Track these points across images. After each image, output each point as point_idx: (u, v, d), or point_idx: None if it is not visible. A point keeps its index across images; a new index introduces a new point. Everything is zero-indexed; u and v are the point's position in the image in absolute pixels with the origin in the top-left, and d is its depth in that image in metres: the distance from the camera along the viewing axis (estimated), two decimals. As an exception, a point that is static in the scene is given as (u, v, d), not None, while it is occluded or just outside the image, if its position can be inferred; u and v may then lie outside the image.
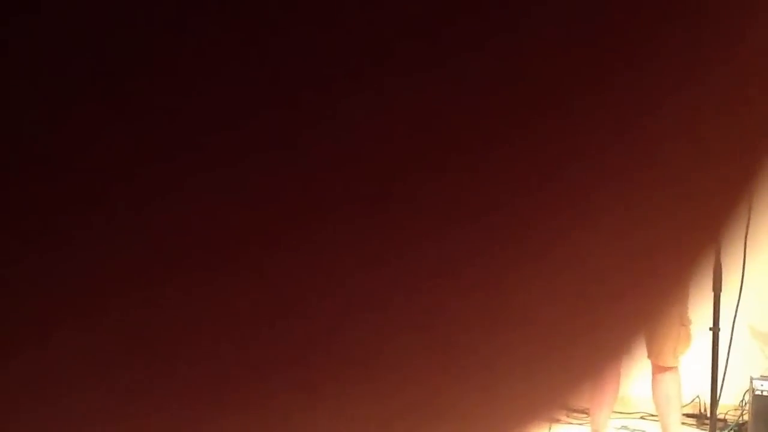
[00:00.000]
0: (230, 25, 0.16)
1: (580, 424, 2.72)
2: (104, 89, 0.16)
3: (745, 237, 0.23)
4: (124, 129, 0.16)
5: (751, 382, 2.71)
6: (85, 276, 0.17)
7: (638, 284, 0.22)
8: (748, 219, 0.22)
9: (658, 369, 2.37)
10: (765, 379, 2.68)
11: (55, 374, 0.17)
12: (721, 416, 2.92)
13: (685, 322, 2.21)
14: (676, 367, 2.38)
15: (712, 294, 2.34)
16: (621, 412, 3.09)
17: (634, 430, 3.11)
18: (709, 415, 2.65)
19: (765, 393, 2.65)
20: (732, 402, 3.09)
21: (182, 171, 0.17)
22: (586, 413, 2.55)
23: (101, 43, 0.15)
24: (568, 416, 2.72)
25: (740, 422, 3.08)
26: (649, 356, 2.31)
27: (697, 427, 3.19)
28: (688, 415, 3.12)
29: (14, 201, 0.16)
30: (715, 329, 2.40)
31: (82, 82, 0.16)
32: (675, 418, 2.45)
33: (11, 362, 0.17)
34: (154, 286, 0.17)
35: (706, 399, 2.73)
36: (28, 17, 0.15)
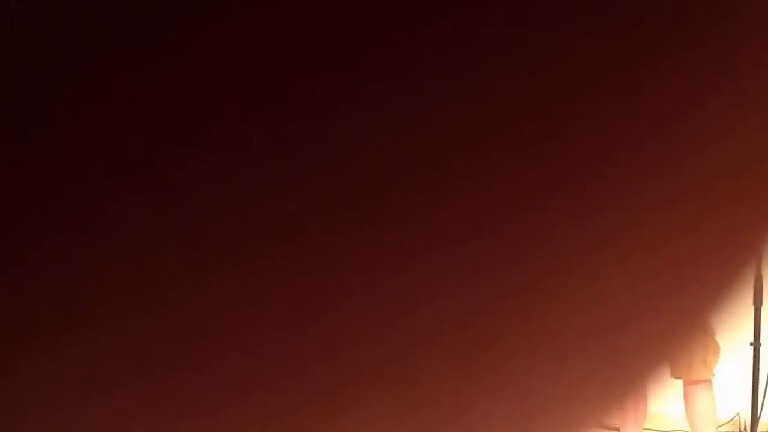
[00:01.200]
0: (225, 23, 0.16)
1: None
2: (94, 89, 0.15)
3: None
4: (121, 130, 0.16)
5: (794, 399, 2.64)
6: (90, 280, 0.17)
7: (673, 299, 0.21)
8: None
9: (691, 383, 2.31)
10: (808, 397, 2.61)
11: (60, 381, 0.17)
12: (761, 434, 2.85)
13: (708, 330, 2.14)
14: (709, 381, 2.32)
15: (753, 308, 2.29)
16: (656, 430, 3.04)
17: (671, 447, 3.05)
18: (749, 433, 2.59)
19: (808, 411, 2.58)
20: (773, 420, 3.02)
21: (193, 173, 0.16)
22: (617, 431, 2.51)
23: (95, 39, 0.15)
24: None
25: (782, 441, 3.00)
26: (679, 373, 2.25)
27: (737, 446, 3.12)
28: (726, 434, 3.05)
29: (11, 202, 0.16)
30: (756, 344, 2.35)
31: (76, 79, 0.15)
32: (710, 435, 2.39)
33: (14, 369, 0.17)
34: (166, 290, 0.17)
35: (747, 417, 2.67)
36: (26, 9, 0.15)
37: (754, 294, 2.22)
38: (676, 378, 2.25)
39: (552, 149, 0.18)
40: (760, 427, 2.55)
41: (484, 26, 0.17)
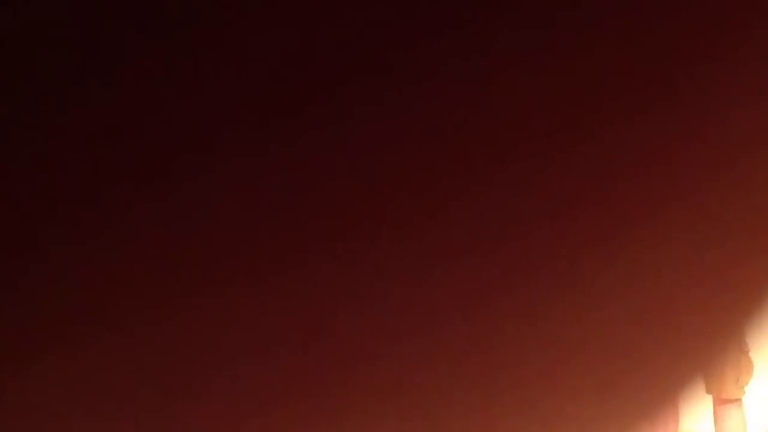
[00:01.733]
0: (238, 25, 0.15)
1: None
2: (104, 94, 0.15)
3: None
4: (131, 136, 0.15)
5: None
6: (100, 288, 0.16)
7: (706, 312, 0.20)
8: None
9: (720, 402, 2.27)
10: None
11: (66, 390, 0.17)
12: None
13: (744, 348, 2.10)
14: (740, 400, 2.27)
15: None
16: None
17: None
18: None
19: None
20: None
21: (205, 180, 0.16)
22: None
23: (98, 40, 0.15)
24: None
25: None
26: (709, 390, 2.21)
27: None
28: (758, 452, 2.99)
29: (19, 208, 0.15)
30: (789, 361, 2.31)
31: (84, 84, 0.15)
32: (741, 456, 2.34)
33: (20, 377, 0.16)
34: (177, 298, 0.17)
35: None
36: (28, 11, 0.14)
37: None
38: (709, 394, 2.21)
39: (578, 155, 0.18)
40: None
41: (508, 27, 0.16)
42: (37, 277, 0.16)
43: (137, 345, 0.17)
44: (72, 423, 0.17)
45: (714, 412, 2.30)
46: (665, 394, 0.21)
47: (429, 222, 0.17)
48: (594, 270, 0.19)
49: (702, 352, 0.21)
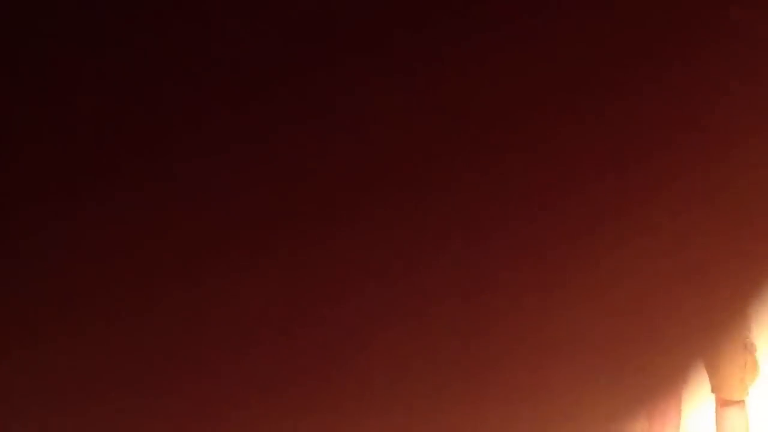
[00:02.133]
0: (222, 16, 0.15)
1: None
2: (73, 86, 0.15)
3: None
4: (106, 129, 0.15)
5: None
6: (78, 281, 0.16)
7: (700, 303, 0.20)
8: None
9: (723, 402, 2.26)
10: None
11: (42, 385, 0.16)
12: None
13: (749, 348, 2.09)
14: (743, 401, 2.26)
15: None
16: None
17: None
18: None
19: None
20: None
21: (187, 170, 0.16)
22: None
23: (89, 35, 0.14)
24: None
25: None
26: (712, 389, 2.20)
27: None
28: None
29: (12, 193, 0.15)
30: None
31: (54, 76, 0.14)
32: (742, 458, 2.33)
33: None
34: (158, 291, 0.16)
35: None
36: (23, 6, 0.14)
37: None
38: (714, 393, 2.20)
39: (572, 147, 0.17)
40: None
41: (500, 16, 0.16)
42: (10, 270, 0.15)
43: (117, 337, 0.16)
44: (47, 420, 0.17)
45: (716, 413, 2.29)
46: (662, 385, 0.20)
47: (421, 212, 0.17)
48: (590, 259, 0.18)
49: (700, 343, 0.20)
